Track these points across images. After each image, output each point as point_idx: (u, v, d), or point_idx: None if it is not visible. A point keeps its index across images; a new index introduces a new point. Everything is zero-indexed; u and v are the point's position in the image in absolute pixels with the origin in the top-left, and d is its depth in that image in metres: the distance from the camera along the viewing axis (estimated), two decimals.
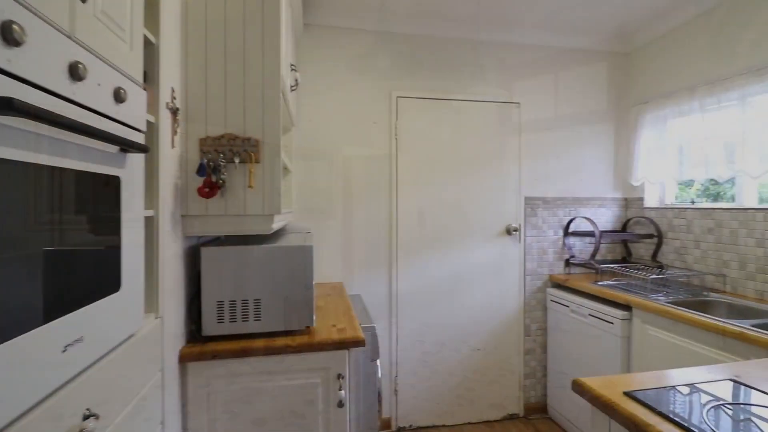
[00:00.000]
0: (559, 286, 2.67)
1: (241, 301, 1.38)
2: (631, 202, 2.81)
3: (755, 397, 0.96)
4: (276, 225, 1.43)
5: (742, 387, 1.02)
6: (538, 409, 2.69)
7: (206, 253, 1.35)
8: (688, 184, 2.56)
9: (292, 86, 1.90)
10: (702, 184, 2.51)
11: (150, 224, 1.08)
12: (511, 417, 2.65)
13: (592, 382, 1.08)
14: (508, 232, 2.65)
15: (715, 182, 2.36)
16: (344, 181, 2.43)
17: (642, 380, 1.08)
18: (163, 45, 1.14)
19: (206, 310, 1.36)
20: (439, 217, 2.55)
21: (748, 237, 2.04)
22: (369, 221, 2.45)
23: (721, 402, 0.93)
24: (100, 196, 0.79)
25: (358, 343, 1.39)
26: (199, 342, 1.36)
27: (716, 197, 2.44)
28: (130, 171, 0.90)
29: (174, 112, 1.29)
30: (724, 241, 2.16)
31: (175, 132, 1.30)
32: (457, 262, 2.58)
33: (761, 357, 1.43)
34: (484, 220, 2.62)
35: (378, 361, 1.83)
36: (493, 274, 2.64)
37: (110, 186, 0.82)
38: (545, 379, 2.71)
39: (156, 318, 1.09)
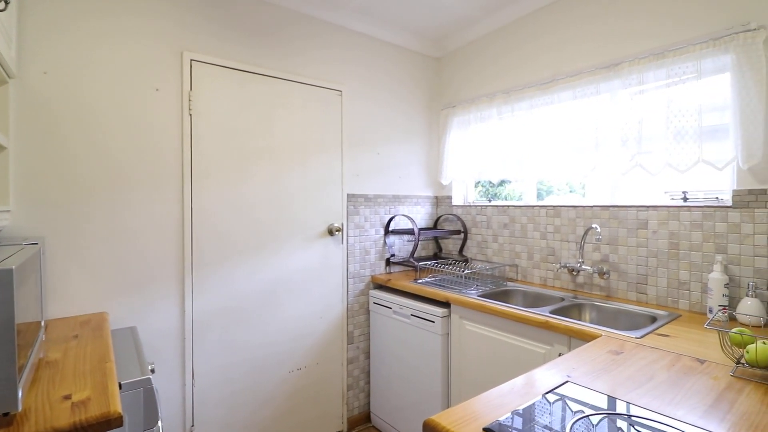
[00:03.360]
0: (381, 287, 2.57)
1: None
2: (441, 200, 2.95)
3: (595, 398, 0.91)
4: None
5: (582, 389, 0.97)
6: (361, 420, 2.53)
7: None
8: (478, 184, 2.84)
9: None
10: (483, 186, 2.82)
11: None
12: None
13: (444, 419, 0.87)
14: (331, 232, 2.39)
15: (502, 182, 2.67)
16: (108, 166, 1.71)
17: (492, 402, 0.93)
18: None
19: None
20: (251, 216, 2.09)
21: (534, 231, 2.31)
22: (150, 223, 1.80)
23: (581, 416, 0.84)
24: None
25: (108, 423, 0.85)
26: None
27: (493, 197, 2.77)
28: None
29: None
30: (516, 234, 2.41)
31: None
32: (274, 269, 2.17)
33: (562, 343, 1.54)
34: (305, 219, 2.29)
35: (160, 423, 1.28)
36: (315, 280, 2.33)
37: None
38: (368, 386, 2.57)
39: None
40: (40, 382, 1.02)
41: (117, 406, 0.88)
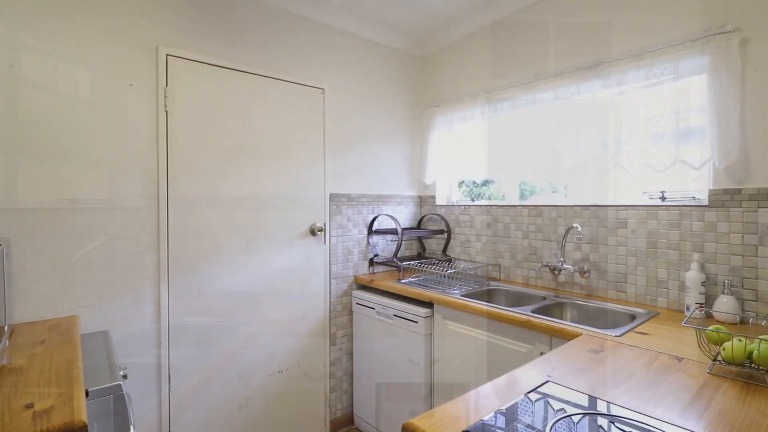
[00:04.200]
0: (364, 287, 2.55)
1: None
2: (424, 200, 2.94)
3: (576, 397, 0.91)
4: None
5: (563, 389, 0.97)
6: (344, 422, 2.50)
7: None
8: (461, 184, 2.83)
9: None
10: (467, 185, 2.82)
11: None
12: None
13: (423, 422, 0.85)
14: (313, 232, 2.35)
15: (486, 182, 2.68)
16: (80, 164, 1.64)
17: (474, 403, 0.92)
18: None
19: None
20: (231, 216, 2.04)
21: (516, 230, 2.32)
22: (124, 223, 1.74)
23: (562, 416, 0.83)
24: None
25: None
26: None
27: (477, 196, 2.77)
28: None
29: None
30: (499, 234, 2.42)
31: None
32: (255, 271, 2.12)
33: (544, 342, 1.55)
34: (287, 219, 2.25)
35: (132, 430, 1.23)
36: (297, 281, 2.29)
37: None
38: (351, 388, 2.54)
39: None
40: (0, 390, 0.97)
41: (82, 414, 0.84)
